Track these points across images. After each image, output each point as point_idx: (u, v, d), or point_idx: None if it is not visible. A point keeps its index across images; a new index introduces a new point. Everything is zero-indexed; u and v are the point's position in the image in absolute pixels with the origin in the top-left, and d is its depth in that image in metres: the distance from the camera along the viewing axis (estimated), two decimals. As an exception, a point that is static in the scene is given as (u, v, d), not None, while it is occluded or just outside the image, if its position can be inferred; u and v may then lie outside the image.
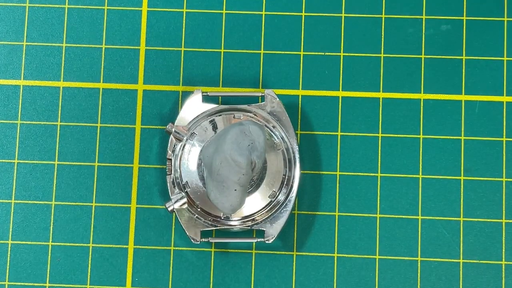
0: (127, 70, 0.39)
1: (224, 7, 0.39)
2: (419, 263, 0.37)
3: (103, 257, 0.37)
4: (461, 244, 0.37)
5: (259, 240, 0.36)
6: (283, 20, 0.39)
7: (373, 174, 0.38)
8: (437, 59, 0.38)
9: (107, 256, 0.37)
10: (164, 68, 0.39)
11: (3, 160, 0.38)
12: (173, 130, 0.36)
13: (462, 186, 0.38)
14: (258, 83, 0.38)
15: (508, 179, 0.38)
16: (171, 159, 0.36)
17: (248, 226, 0.36)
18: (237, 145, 0.33)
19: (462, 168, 0.38)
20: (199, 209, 0.36)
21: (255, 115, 0.37)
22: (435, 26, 0.39)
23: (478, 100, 0.38)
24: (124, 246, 0.37)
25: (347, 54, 0.39)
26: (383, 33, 0.39)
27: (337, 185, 0.38)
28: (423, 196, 0.38)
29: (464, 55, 0.38)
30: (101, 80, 0.39)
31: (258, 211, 0.36)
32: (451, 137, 0.38)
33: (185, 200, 0.35)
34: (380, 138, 0.38)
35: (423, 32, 0.39)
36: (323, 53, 0.39)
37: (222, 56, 0.39)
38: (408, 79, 0.38)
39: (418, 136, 0.38)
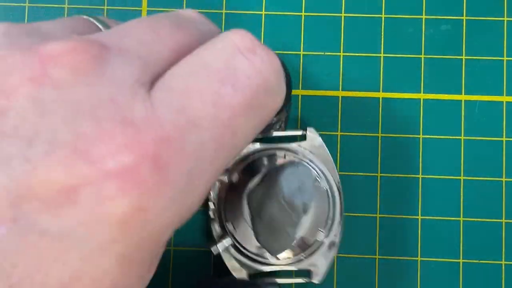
0: (127, 69, 0.39)
1: (224, 7, 0.39)
2: (419, 263, 0.37)
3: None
4: (461, 244, 0.37)
5: (307, 281, 0.35)
6: (283, 20, 0.39)
7: (373, 174, 0.38)
8: (437, 59, 0.38)
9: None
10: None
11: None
12: None
13: (462, 186, 0.38)
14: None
15: (508, 179, 0.38)
16: (214, 203, 0.36)
17: (296, 266, 0.35)
18: (288, 188, 0.33)
19: (462, 168, 0.38)
20: (245, 251, 0.35)
21: (297, 153, 0.36)
22: (435, 26, 0.39)
23: (478, 100, 0.38)
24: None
25: (346, 54, 0.39)
26: (382, 33, 0.39)
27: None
28: (423, 196, 0.38)
29: (464, 55, 0.38)
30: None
31: (305, 250, 0.35)
32: (451, 137, 0.38)
33: (230, 242, 0.35)
34: (380, 138, 0.38)
35: (423, 32, 0.39)
36: (322, 53, 0.39)
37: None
38: (408, 79, 0.38)
39: (418, 136, 0.38)
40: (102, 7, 0.39)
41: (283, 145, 0.36)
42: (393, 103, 0.38)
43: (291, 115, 0.38)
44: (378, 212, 0.38)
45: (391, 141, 0.38)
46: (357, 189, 0.38)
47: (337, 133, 0.38)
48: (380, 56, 0.39)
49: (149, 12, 0.39)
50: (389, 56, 0.39)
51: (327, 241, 0.35)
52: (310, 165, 0.36)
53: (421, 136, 0.38)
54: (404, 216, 0.37)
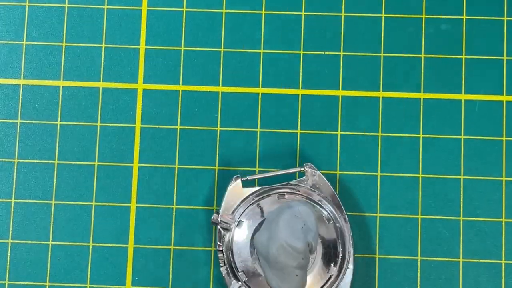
0: (127, 69, 0.39)
1: (224, 6, 0.39)
2: (419, 262, 0.37)
3: (103, 256, 0.37)
4: (461, 243, 0.37)
5: None
6: (283, 19, 0.39)
7: (373, 173, 0.38)
8: (437, 58, 0.38)
9: (107, 255, 0.37)
10: (164, 67, 0.39)
11: (3, 159, 0.38)
12: (219, 220, 0.35)
13: (462, 185, 0.38)
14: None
15: (508, 178, 0.38)
16: (222, 250, 0.35)
17: None
18: (291, 230, 0.32)
19: (462, 168, 0.38)
20: None
21: (298, 191, 0.36)
22: (435, 26, 0.39)
23: (478, 99, 0.38)
24: (124, 246, 0.38)
25: (347, 53, 0.39)
26: (383, 33, 0.39)
27: (337, 184, 0.38)
28: (423, 195, 0.38)
29: (464, 54, 0.38)
30: (101, 80, 0.39)
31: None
32: (451, 137, 0.38)
33: None
34: (380, 138, 0.38)
35: (423, 31, 0.39)
36: (323, 52, 0.39)
37: (222, 56, 0.39)
38: (408, 79, 0.38)
39: (418, 135, 0.38)
40: (102, 7, 0.39)
41: (283, 184, 0.36)
42: (393, 102, 0.38)
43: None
44: (378, 211, 0.38)
45: (391, 141, 0.38)
46: (357, 188, 0.38)
47: (337, 132, 0.38)
48: (380, 56, 0.39)
49: (149, 11, 0.39)
50: (389, 56, 0.39)
51: (342, 275, 0.35)
52: (312, 201, 0.36)
53: (421, 135, 0.38)
54: (404, 215, 0.37)
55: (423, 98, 0.38)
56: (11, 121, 0.38)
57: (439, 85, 0.38)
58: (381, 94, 0.38)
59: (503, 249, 0.37)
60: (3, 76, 0.39)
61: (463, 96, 0.38)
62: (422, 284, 0.37)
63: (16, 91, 0.39)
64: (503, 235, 0.37)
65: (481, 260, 0.37)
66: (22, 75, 0.39)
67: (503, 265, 0.37)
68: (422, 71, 0.38)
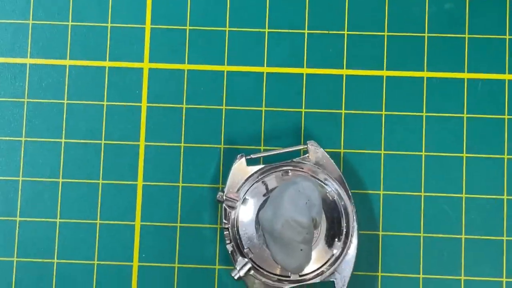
0: (133, 48, 0.39)
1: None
2: (421, 239, 0.38)
3: (110, 233, 0.38)
4: (463, 220, 0.38)
5: None
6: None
7: (377, 152, 0.38)
8: (440, 37, 0.39)
9: (114, 233, 0.38)
10: (169, 47, 0.39)
11: (11, 138, 0.38)
12: (225, 198, 0.35)
13: (464, 163, 0.38)
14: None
15: (510, 156, 0.38)
16: (228, 228, 0.36)
17: (319, 279, 0.36)
18: (295, 206, 0.33)
19: (464, 146, 0.38)
20: (265, 273, 0.35)
21: (302, 169, 0.36)
22: (439, 5, 0.39)
23: (480, 78, 0.38)
24: (131, 223, 0.38)
25: (351, 32, 0.39)
26: (386, 12, 0.39)
27: (341, 162, 0.38)
28: (426, 173, 0.38)
29: (467, 33, 0.39)
30: (107, 59, 0.39)
31: (325, 263, 0.36)
32: (453, 115, 0.38)
33: (249, 266, 0.35)
34: (383, 116, 0.38)
35: (427, 10, 0.39)
36: (327, 32, 0.39)
37: (227, 35, 0.39)
38: (411, 57, 0.39)
39: (421, 114, 0.38)
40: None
41: (286, 162, 0.36)
42: (396, 81, 0.39)
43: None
44: (381, 189, 0.38)
45: (394, 119, 0.38)
46: (360, 166, 0.38)
47: (341, 111, 0.38)
48: (384, 35, 0.39)
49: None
50: (392, 35, 0.39)
51: (346, 250, 0.35)
52: (316, 178, 0.36)
53: (424, 113, 0.38)
54: (407, 193, 0.38)
55: (426, 77, 0.39)
56: (18, 100, 0.39)
57: (442, 64, 0.39)
58: (384, 73, 0.39)
59: (505, 225, 0.38)
60: (10, 56, 0.39)
61: (466, 75, 0.39)
62: (424, 260, 0.37)
63: (23, 70, 0.39)
64: (505, 212, 0.38)
65: (483, 237, 0.38)
66: (29, 55, 0.39)
67: (504, 241, 0.37)
68: (426, 50, 0.39)
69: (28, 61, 0.39)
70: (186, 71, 0.39)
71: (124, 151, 0.38)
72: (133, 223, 0.38)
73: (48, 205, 0.38)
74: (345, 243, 0.36)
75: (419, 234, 0.38)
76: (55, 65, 0.39)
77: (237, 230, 0.36)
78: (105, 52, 0.39)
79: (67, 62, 0.39)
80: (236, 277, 0.35)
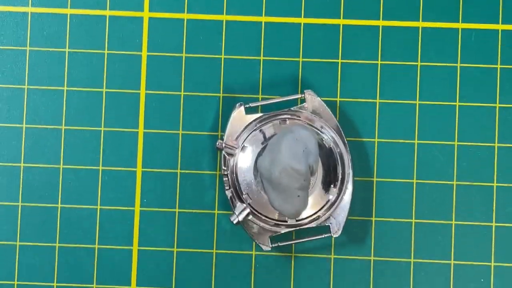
0: (133, -3, 0.39)
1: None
2: (414, 184, 0.39)
3: (112, 179, 0.39)
4: (455, 167, 0.39)
5: (326, 235, 0.37)
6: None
7: (372, 100, 0.39)
8: (435, -12, 0.39)
9: (116, 179, 0.39)
10: (169, -4, 0.39)
11: (14, 86, 0.39)
12: (224, 145, 0.36)
13: (457, 111, 0.39)
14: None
15: (502, 105, 0.39)
16: (227, 174, 0.36)
17: (315, 223, 0.37)
18: (293, 154, 0.33)
19: (457, 95, 0.39)
20: (263, 217, 0.36)
21: (299, 117, 0.37)
22: (435, -45, 0.39)
23: (474, 28, 0.39)
24: (133, 169, 0.39)
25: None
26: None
27: (337, 110, 0.39)
28: (420, 121, 0.39)
29: (462, -16, 0.39)
30: (108, 7, 0.39)
31: (321, 209, 0.36)
32: (447, 64, 0.39)
33: (248, 211, 0.36)
34: (379, 66, 0.39)
35: (423, -39, 0.39)
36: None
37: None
38: (407, 7, 0.39)
39: (416, 63, 0.39)
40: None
41: (284, 110, 0.37)
42: (392, 31, 0.39)
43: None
44: (376, 137, 0.39)
45: (390, 68, 0.39)
46: (355, 115, 0.39)
47: (337, 60, 0.39)
48: (381, -15, 0.39)
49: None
50: (389, -15, 0.39)
51: (341, 196, 0.36)
52: (312, 126, 0.37)
53: (418, 63, 0.39)
54: (401, 141, 0.39)
55: (422, 27, 0.39)
56: (20, 48, 0.39)
57: (437, 14, 0.39)
58: (381, 22, 0.39)
59: (495, 172, 0.39)
60: (12, 4, 0.39)
61: (460, 25, 0.39)
62: (417, 205, 0.38)
63: (24, 19, 0.39)
64: (495, 159, 0.39)
65: (474, 183, 0.39)
66: (30, 3, 0.39)
67: (494, 187, 0.38)
68: (421, 0, 0.39)
69: (30, 9, 0.39)
70: (185, 20, 0.39)
71: (125, 99, 0.39)
72: (135, 169, 0.39)
73: (51, 152, 0.39)
74: (340, 189, 0.37)
75: (412, 181, 0.39)
76: (56, 13, 0.39)
77: (236, 176, 0.36)
78: (105, 0, 0.39)
79: (68, 10, 0.39)
80: (235, 222, 0.36)
